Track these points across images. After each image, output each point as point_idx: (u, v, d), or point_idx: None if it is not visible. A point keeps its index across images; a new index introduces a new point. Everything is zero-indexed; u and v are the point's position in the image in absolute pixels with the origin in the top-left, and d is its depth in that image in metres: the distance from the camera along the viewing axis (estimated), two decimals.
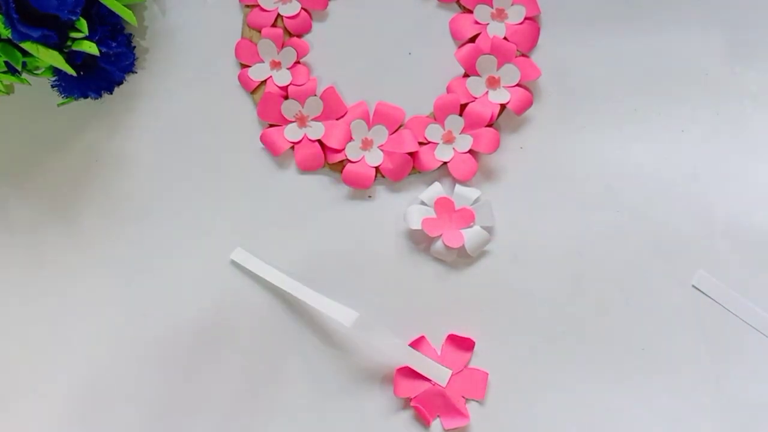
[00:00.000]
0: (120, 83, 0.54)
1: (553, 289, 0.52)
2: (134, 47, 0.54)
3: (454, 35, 0.53)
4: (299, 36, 0.54)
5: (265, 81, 0.54)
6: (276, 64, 0.54)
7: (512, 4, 0.53)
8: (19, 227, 0.54)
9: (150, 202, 0.54)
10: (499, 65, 0.52)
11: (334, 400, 0.52)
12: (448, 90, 0.53)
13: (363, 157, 0.53)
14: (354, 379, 0.52)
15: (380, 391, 0.52)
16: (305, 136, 0.53)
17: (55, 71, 0.51)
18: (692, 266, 0.52)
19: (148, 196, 0.54)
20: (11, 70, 0.50)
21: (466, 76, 0.53)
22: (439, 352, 0.52)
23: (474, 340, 0.51)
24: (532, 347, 0.52)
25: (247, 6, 0.54)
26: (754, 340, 0.51)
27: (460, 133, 0.52)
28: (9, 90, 0.53)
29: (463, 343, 0.52)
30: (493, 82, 0.52)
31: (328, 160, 0.53)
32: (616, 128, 0.53)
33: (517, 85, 0.52)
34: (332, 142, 0.53)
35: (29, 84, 0.52)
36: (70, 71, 0.49)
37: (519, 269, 0.52)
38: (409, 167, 0.53)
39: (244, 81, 0.54)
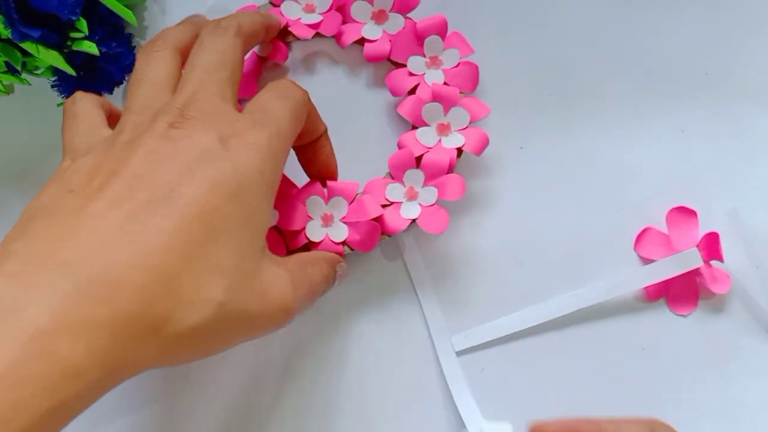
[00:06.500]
0: (120, 83, 0.54)
1: (553, 290, 0.52)
2: (134, 47, 0.54)
3: (393, 92, 0.51)
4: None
5: None
6: None
7: (444, 49, 0.51)
8: None
9: None
10: (446, 110, 0.50)
11: (337, 400, 0.52)
12: (400, 146, 0.51)
13: (326, 235, 0.49)
14: (358, 380, 0.52)
15: (392, 391, 0.52)
16: None
17: (55, 71, 0.51)
18: None
19: None
20: (11, 70, 0.50)
21: (414, 128, 0.51)
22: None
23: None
24: (532, 347, 0.52)
25: None
26: (754, 340, 0.51)
27: (422, 187, 0.50)
28: (9, 90, 0.53)
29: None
30: (443, 129, 0.50)
31: (290, 246, 0.49)
32: (616, 128, 0.53)
33: (469, 126, 0.51)
34: (290, 225, 0.48)
35: (29, 84, 0.52)
36: (70, 71, 0.49)
37: (519, 269, 0.52)
38: (377, 234, 0.49)
39: None
